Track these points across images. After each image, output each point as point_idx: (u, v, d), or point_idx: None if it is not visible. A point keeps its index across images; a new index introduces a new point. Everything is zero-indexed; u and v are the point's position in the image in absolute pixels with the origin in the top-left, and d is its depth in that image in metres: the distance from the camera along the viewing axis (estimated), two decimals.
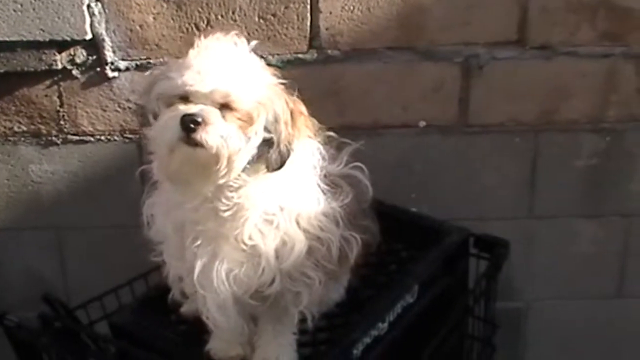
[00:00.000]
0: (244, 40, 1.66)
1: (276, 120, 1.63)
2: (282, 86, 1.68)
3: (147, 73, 1.75)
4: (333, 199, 1.77)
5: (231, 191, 1.64)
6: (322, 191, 1.76)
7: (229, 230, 1.67)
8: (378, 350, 1.90)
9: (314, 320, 1.83)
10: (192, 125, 1.54)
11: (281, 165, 1.65)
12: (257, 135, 1.62)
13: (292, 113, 1.66)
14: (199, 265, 1.69)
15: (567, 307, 2.80)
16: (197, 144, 1.55)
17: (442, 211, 2.38)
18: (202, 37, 1.65)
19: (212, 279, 1.68)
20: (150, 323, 2.00)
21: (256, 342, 1.84)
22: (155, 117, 1.64)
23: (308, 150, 1.75)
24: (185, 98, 1.59)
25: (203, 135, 1.54)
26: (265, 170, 1.65)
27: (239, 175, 1.63)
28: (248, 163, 1.63)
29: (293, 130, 1.65)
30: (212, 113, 1.56)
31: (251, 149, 1.62)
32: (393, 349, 1.94)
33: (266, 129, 1.63)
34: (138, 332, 1.98)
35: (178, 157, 1.58)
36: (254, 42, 1.67)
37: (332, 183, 1.79)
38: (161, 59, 2.42)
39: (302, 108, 1.70)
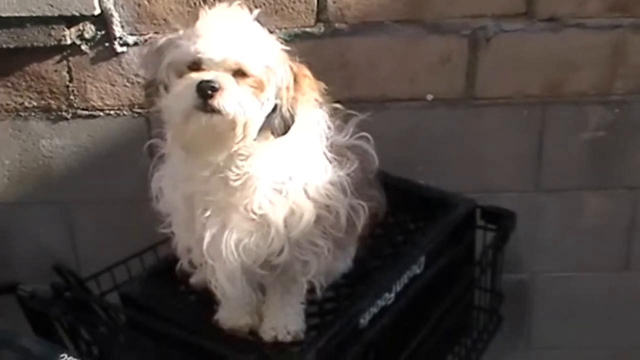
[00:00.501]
0: (246, 9, 1.67)
1: (281, 85, 1.64)
2: (286, 52, 1.69)
3: (149, 43, 1.74)
4: (339, 167, 1.78)
5: (241, 160, 1.65)
6: (329, 160, 1.77)
7: (239, 200, 1.68)
8: (384, 320, 1.92)
9: (322, 289, 1.85)
10: (209, 92, 1.54)
11: (285, 130, 1.66)
12: (269, 101, 1.63)
13: (296, 77, 1.66)
14: (208, 235, 1.70)
15: (574, 280, 2.81)
16: (213, 111, 1.56)
17: (449, 184, 2.37)
18: (207, 8, 1.65)
19: (221, 249, 1.70)
20: (159, 293, 2.03)
21: (264, 311, 1.87)
22: (166, 87, 1.65)
23: (314, 119, 1.76)
24: (196, 66, 1.59)
25: (220, 101, 1.55)
26: (271, 136, 1.66)
27: (250, 143, 1.64)
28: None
29: (296, 94, 1.66)
30: (227, 79, 1.57)
31: (263, 115, 1.63)
32: (399, 319, 1.96)
33: (275, 95, 1.64)
34: (148, 303, 2.00)
35: (194, 124, 1.58)
36: (256, 11, 1.68)
37: (338, 153, 1.80)
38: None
39: (307, 72, 1.71)
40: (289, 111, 1.65)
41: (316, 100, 1.72)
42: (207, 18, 1.63)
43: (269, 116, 1.64)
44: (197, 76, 1.57)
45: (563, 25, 2.44)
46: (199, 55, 1.58)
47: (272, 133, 1.66)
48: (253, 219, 1.70)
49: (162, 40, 1.68)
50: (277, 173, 1.69)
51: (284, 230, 1.71)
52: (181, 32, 1.66)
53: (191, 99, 1.56)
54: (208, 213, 1.70)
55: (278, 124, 1.65)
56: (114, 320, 2.02)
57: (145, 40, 2.45)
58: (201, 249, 1.73)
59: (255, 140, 1.64)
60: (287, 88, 1.65)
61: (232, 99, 1.56)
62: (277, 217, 1.70)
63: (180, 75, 1.61)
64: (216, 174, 1.67)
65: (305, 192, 1.72)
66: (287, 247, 1.73)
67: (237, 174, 1.66)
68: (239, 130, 1.59)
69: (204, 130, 1.58)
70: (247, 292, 1.82)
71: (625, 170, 2.64)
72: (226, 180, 1.67)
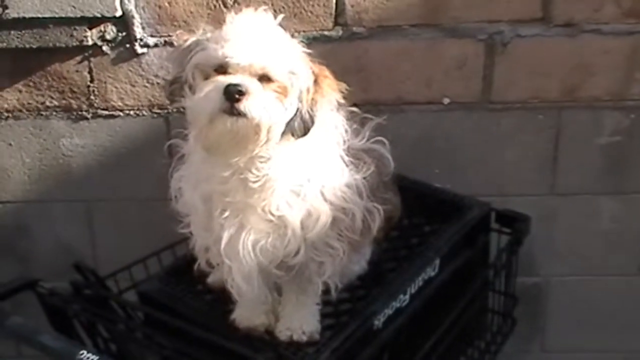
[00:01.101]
0: (271, 14, 1.69)
1: (307, 90, 1.66)
2: (308, 55, 1.70)
3: (177, 40, 1.75)
4: (356, 171, 1.80)
5: (262, 162, 1.67)
6: (346, 163, 1.79)
7: (257, 201, 1.70)
8: (399, 322, 1.93)
9: (337, 290, 1.86)
10: (236, 96, 1.56)
11: (305, 132, 1.68)
12: (292, 105, 1.65)
13: (316, 78, 1.68)
14: (226, 235, 1.72)
15: (588, 283, 2.81)
16: (239, 114, 1.57)
17: (464, 187, 2.40)
18: (232, 12, 1.67)
19: (239, 250, 1.72)
20: (177, 292, 2.05)
21: (280, 312, 1.89)
22: (190, 87, 1.66)
23: (332, 123, 1.78)
24: (222, 70, 1.61)
25: (247, 105, 1.57)
26: (291, 139, 1.68)
27: (271, 146, 1.66)
28: None
29: (316, 95, 1.68)
30: (254, 84, 1.59)
31: (286, 119, 1.65)
32: (414, 320, 1.97)
33: (297, 98, 1.66)
34: (165, 301, 2.03)
35: (219, 127, 1.59)
36: (280, 16, 1.70)
37: (355, 157, 1.81)
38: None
39: (327, 73, 1.72)
40: (309, 113, 1.67)
41: (336, 100, 1.74)
42: (235, 22, 1.65)
43: (290, 119, 1.66)
44: (224, 79, 1.59)
45: (579, 31, 2.45)
46: (227, 59, 1.60)
47: (292, 135, 1.67)
48: (270, 220, 1.71)
49: (190, 40, 1.70)
50: (295, 175, 1.71)
51: (300, 232, 1.72)
52: (208, 34, 1.68)
53: (218, 102, 1.58)
54: (226, 214, 1.72)
55: (298, 125, 1.67)
56: (131, 318, 2.05)
57: (168, 40, 2.49)
58: (219, 248, 1.75)
59: (276, 143, 1.66)
60: (308, 90, 1.67)
61: (258, 103, 1.58)
62: (295, 219, 1.71)
63: (206, 76, 1.64)
64: (236, 174, 1.68)
65: (322, 194, 1.74)
66: (303, 248, 1.74)
67: (257, 176, 1.68)
68: (262, 134, 1.61)
69: (229, 133, 1.60)
70: (262, 292, 1.84)
71: None
72: (245, 182, 1.69)
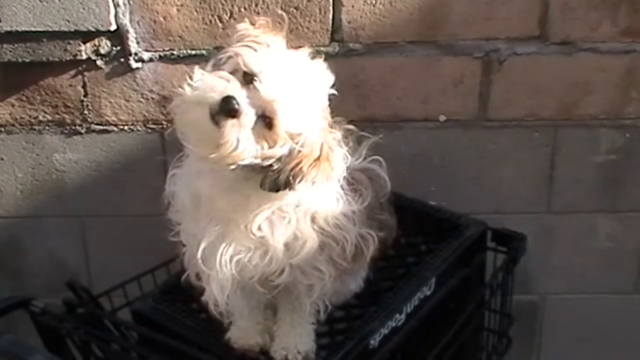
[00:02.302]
0: (320, 61, 1.63)
1: (298, 159, 1.57)
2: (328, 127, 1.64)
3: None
4: (353, 199, 1.75)
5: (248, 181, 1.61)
6: (344, 193, 1.73)
7: (240, 218, 1.65)
8: (395, 341, 1.92)
9: (327, 311, 1.84)
10: (228, 110, 1.50)
11: (275, 190, 1.59)
12: (269, 157, 1.56)
13: (319, 156, 1.59)
14: (205, 241, 1.68)
15: (584, 302, 2.81)
16: (217, 124, 1.51)
17: (460, 205, 2.38)
18: (285, 36, 1.64)
19: (216, 258, 1.67)
20: (171, 311, 2.03)
21: (275, 331, 1.87)
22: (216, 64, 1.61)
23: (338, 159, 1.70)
24: (248, 78, 1.54)
25: (227, 127, 1.50)
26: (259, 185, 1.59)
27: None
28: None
29: (307, 169, 1.57)
30: (249, 116, 1.52)
31: (253, 160, 1.56)
32: (409, 340, 1.96)
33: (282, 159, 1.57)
34: (159, 320, 2.01)
35: (196, 113, 1.53)
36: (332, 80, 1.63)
37: (352, 178, 1.77)
38: (184, 51, 2.45)
39: (332, 156, 1.63)
40: (288, 178, 1.57)
41: (322, 180, 1.62)
42: (281, 57, 1.58)
43: (266, 167, 1.58)
44: (233, 87, 1.53)
45: (576, 49, 2.45)
46: (256, 77, 1.53)
47: (261, 184, 1.59)
48: (252, 238, 1.67)
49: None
50: (283, 198, 1.64)
51: (283, 254, 1.67)
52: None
53: (213, 102, 1.51)
54: (210, 218, 1.68)
55: (270, 182, 1.58)
56: (125, 337, 2.03)
57: (162, 55, 2.48)
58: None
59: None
60: (304, 165, 1.57)
61: (235, 133, 1.51)
62: (277, 241, 1.66)
63: (233, 67, 1.57)
64: (223, 184, 1.64)
65: (313, 220, 1.68)
66: (288, 269, 1.70)
67: (242, 195, 1.64)
68: (221, 153, 1.52)
69: (197, 124, 1.55)
70: (242, 305, 1.82)
71: (636, 193, 2.64)
72: (232, 195, 1.65)
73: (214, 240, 1.68)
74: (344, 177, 1.74)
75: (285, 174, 1.56)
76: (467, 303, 2.14)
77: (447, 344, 2.00)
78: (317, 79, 1.61)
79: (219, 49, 1.67)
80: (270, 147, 1.55)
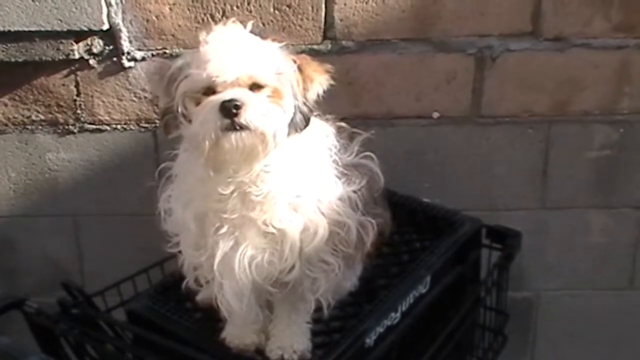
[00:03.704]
0: (241, 25, 1.69)
1: (291, 84, 1.67)
2: (285, 49, 1.70)
3: (157, 72, 1.74)
4: (348, 184, 1.79)
5: (265, 173, 1.66)
6: (338, 176, 1.77)
7: (259, 215, 1.68)
8: (390, 340, 1.92)
9: (329, 308, 1.84)
10: (233, 110, 1.55)
11: (307, 124, 1.69)
12: (289, 104, 1.65)
13: (300, 67, 1.69)
14: (220, 252, 1.70)
15: (578, 298, 2.82)
16: (241, 127, 1.56)
17: (454, 201, 2.39)
18: (204, 32, 1.67)
19: (234, 266, 1.70)
20: (166, 310, 2.03)
21: (271, 330, 1.86)
22: (184, 116, 1.65)
23: (322, 132, 1.78)
24: (211, 90, 1.60)
25: (246, 117, 1.56)
26: (293, 133, 1.67)
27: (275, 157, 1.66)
28: None
29: (306, 84, 1.69)
30: (246, 94, 1.59)
31: (288, 120, 1.65)
32: (405, 338, 1.96)
33: (292, 96, 1.66)
34: (154, 319, 2.01)
35: (225, 145, 1.58)
36: (250, 23, 1.69)
37: (345, 171, 1.80)
38: (177, 50, 2.45)
39: (308, 58, 1.73)
40: (305, 104, 1.68)
41: (326, 80, 1.73)
42: (210, 41, 1.64)
43: (291, 118, 1.66)
44: (216, 98, 1.58)
45: (569, 45, 2.46)
46: (213, 80, 1.59)
47: (295, 130, 1.68)
48: (268, 235, 1.70)
49: (170, 69, 1.68)
50: (293, 188, 1.70)
51: (298, 246, 1.71)
52: (188, 57, 1.66)
53: (217, 121, 1.56)
54: (222, 230, 1.70)
55: (300, 120, 1.68)
56: (120, 337, 2.02)
57: (153, 56, 2.47)
58: (211, 266, 1.73)
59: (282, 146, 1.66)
60: (297, 82, 1.68)
61: (256, 112, 1.57)
62: (294, 232, 1.70)
63: (197, 102, 1.62)
64: (237, 190, 1.67)
65: (318, 207, 1.73)
66: (298, 264, 1.73)
67: (260, 189, 1.67)
68: (269, 141, 1.60)
69: (236, 148, 1.58)
70: (253, 310, 1.82)
71: (630, 189, 2.65)
72: (247, 196, 1.67)
73: (229, 251, 1.70)
74: (337, 168, 1.78)
75: (301, 102, 1.68)
76: (462, 300, 2.14)
77: (443, 342, 2.00)
78: (245, 33, 1.68)
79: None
80: (280, 98, 1.64)
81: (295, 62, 1.69)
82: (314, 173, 1.74)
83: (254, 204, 1.68)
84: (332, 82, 1.74)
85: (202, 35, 1.66)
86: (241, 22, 1.69)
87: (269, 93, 1.63)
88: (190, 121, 1.64)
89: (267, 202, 1.68)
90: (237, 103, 1.56)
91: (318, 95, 1.72)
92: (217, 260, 1.71)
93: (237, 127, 1.57)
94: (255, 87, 1.62)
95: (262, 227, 1.69)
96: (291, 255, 1.72)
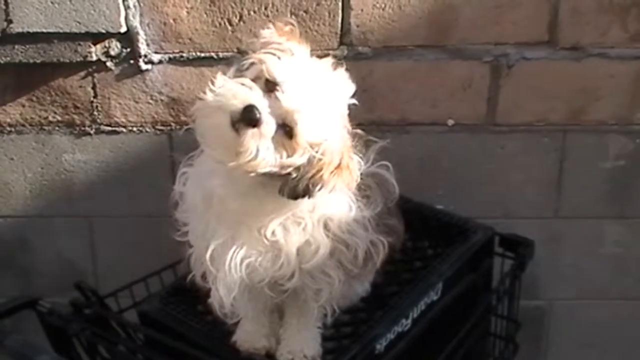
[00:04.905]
0: (341, 71, 1.63)
1: (318, 167, 1.56)
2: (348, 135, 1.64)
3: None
4: (365, 205, 1.75)
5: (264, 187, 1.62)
6: (355, 199, 1.73)
7: (253, 222, 1.66)
8: (401, 346, 1.92)
9: (334, 315, 1.84)
10: (250, 120, 1.49)
11: (293, 197, 1.59)
12: (289, 166, 1.56)
13: (339, 164, 1.58)
14: (214, 243, 1.68)
15: (591, 308, 2.80)
16: (236, 130, 1.51)
17: (468, 209, 2.39)
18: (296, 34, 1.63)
19: (225, 260, 1.67)
20: (177, 312, 2.04)
21: (281, 334, 1.87)
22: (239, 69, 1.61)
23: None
24: (269, 84, 1.54)
25: (247, 135, 1.50)
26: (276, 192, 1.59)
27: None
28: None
29: (328, 177, 1.57)
30: (269, 126, 1.52)
31: (273, 168, 1.56)
32: (416, 345, 1.96)
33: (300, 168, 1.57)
34: (166, 321, 2.02)
35: (217, 119, 1.53)
36: (342, 70, 1.64)
37: (362, 184, 1.75)
38: (193, 53, 2.46)
39: (352, 164, 1.63)
40: (308, 186, 1.57)
41: (347, 185, 1.64)
42: (295, 54, 1.58)
43: (285, 174, 1.58)
44: (257, 94, 1.53)
45: (585, 54, 2.45)
46: (278, 86, 1.53)
47: (279, 191, 1.58)
48: (264, 242, 1.67)
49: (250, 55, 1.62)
50: (299, 204, 1.64)
51: (295, 259, 1.68)
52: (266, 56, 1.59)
53: (235, 109, 1.51)
54: (220, 220, 1.68)
55: (289, 188, 1.57)
56: (132, 339, 2.03)
57: (170, 59, 2.49)
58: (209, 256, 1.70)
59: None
60: (323, 167, 1.56)
61: (255, 142, 1.51)
62: (290, 246, 1.66)
63: (255, 73, 1.57)
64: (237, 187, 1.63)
65: (326, 226, 1.68)
66: (298, 274, 1.70)
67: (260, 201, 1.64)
68: (241, 160, 1.52)
69: (218, 128, 1.54)
70: (248, 308, 1.82)
71: None
72: (247, 199, 1.65)
73: (224, 242, 1.68)
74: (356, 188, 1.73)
75: (304, 182, 1.56)
76: (474, 308, 2.14)
77: (454, 350, 2.00)
78: (338, 88, 1.62)
79: (241, 53, 1.64)
80: (289, 156, 1.55)
81: (342, 157, 1.58)
82: (328, 194, 1.64)
83: (252, 210, 1.65)
84: (349, 192, 1.68)
85: (294, 41, 1.61)
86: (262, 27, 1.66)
87: (286, 142, 1.54)
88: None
89: (263, 213, 1.65)
90: (258, 119, 1.50)
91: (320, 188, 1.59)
92: (210, 249, 1.68)
93: (235, 128, 1.51)
94: (285, 128, 1.54)
95: (256, 234, 1.66)
96: (287, 265, 1.68)
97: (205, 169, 1.71)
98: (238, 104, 1.51)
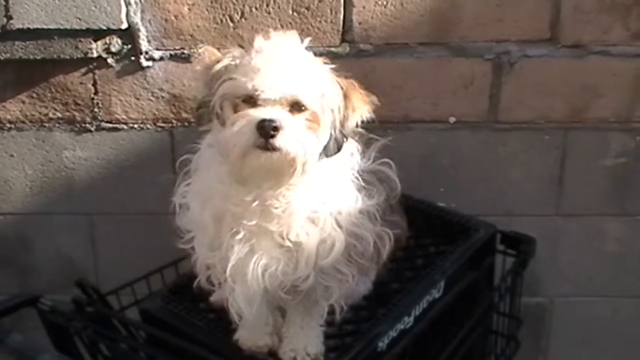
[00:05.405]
0: (297, 37, 1.67)
1: (332, 109, 1.64)
2: (333, 71, 1.68)
3: (203, 60, 1.71)
4: (368, 197, 1.78)
5: (288, 190, 1.65)
6: (358, 189, 1.76)
7: (276, 227, 1.68)
8: (403, 344, 1.92)
9: (342, 312, 1.84)
10: (271, 132, 1.53)
11: (338, 151, 1.67)
12: (325, 132, 1.64)
13: (346, 93, 1.67)
14: (234, 257, 1.70)
15: (592, 305, 2.81)
16: (274, 149, 1.55)
17: (469, 206, 2.38)
18: (259, 37, 1.65)
19: (247, 273, 1.70)
20: (179, 310, 2.03)
21: (284, 333, 1.87)
22: (218, 116, 1.64)
23: (348, 150, 1.76)
24: (252, 100, 1.59)
25: (282, 140, 1.54)
26: (322, 157, 1.66)
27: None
28: None
29: (347, 111, 1.67)
30: (286, 117, 1.57)
31: (321, 148, 1.64)
32: (418, 343, 1.96)
33: (331, 124, 1.65)
34: (167, 319, 2.02)
35: (252, 162, 1.58)
36: (308, 40, 1.68)
37: (364, 180, 1.79)
38: (195, 50, 2.45)
39: (356, 85, 1.71)
40: (341, 132, 1.67)
41: (367, 113, 1.71)
42: (263, 51, 1.61)
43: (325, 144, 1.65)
44: (256, 114, 1.57)
45: (587, 52, 2.45)
46: (257, 93, 1.57)
47: (326, 155, 1.66)
48: (283, 247, 1.69)
49: (219, 65, 1.66)
50: (312, 202, 1.69)
51: (313, 259, 1.70)
52: (237, 60, 1.64)
53: (252, 137, 1.55)
54: (239, 236, 1.69)
55: (332, 147, 1.66)
56: (133, 337, 2.03)
57: (172, 56, 2.48)
58: (224, 268, 1.72)
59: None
60: (339, 108, 1.65)
61: (292, 137, 1.56)
62: (311, 246, 1.69)
63: (235, 107, 1.61)
64: (259, 199, 1.66)
65: (337, 220, 1.72)
66: (313, 274, 1.72)
67: (281, 202, 1.66)
68: (298, 167, 1.59)
69: (263, 167, 1.58)
70: (264, 313, 1.83)
71: None
72: (267, 208, 1.67)
73: (244, 257, 1.70)
74: (357, 178, 1.77)
75: (337, 130, 1.66)
76: (475, 306, 2.14)
77: (456, 347, 2.00)
78: (299, 49, 1.66)
79: (201, 107, 1.70)
80: (318, 124, 1.62)
81: (342, 87, 1.67)
82: (336, 187, 1.73)
83: (273, 216, 1.67)
84: (373, 115, 1.72)
85: (258, 40, 1.64)
86: (292, 34, 1.68)
87: (308, 116, 1.61)
88: (223, 124, 1.63)
89: (285, 215, 1.67)
90: (276, 125, 1.54)
91: (357, 124, 1.70)
92: (230, 264, 1.70)
93: (270, 148, 1.55)
94: (295, 107, 1.60)
95: (279, 239, 1.69)
96: (306, 267, 1.71)
97: (208, 185, 1.73)
98: (250, 133, 1.55)
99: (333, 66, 1.69)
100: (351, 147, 1.77)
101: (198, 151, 1.77)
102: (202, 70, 1.70)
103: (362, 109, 1.70)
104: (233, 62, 1.64)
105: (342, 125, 1.66)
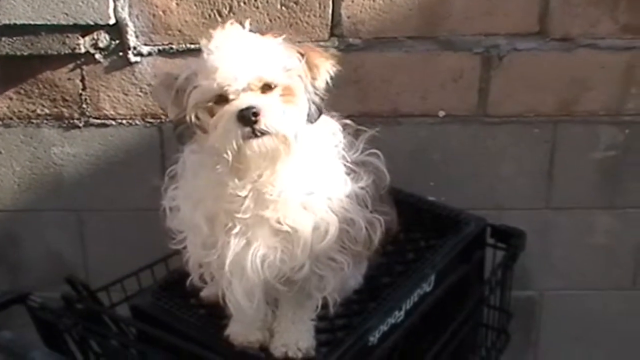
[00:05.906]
0: (237, 25, 1.68)
1: (300, 76, 1.66)
2: (286, 42, 1.69)
3: (162, 83, 1.74)
4: (356, 180, 1.79)
5: (281, 173, 1.66)
6: (346, 173, 1.78)
7: (272, 213, 1.68)
8: (394, 338, 1.92)
9: (335, 306, 1.84)
10: (252, 118, 1.55)
11: (320, 113, 1.69)
12: (302, 100, 1.65)
13: (306, 57, 1.68)
14: (232, 252, 1.70)
15: (582, 298, 2.81)
16: (262, 133, 1.57)
17: (459, 200, 2.39)
18: (205, 39, 1.66)
19: (246, 266, 1.70)
20: (170, 306, 2.02)
21: (275, 327, 1.86)
22: (199, 127, 1.64)
23: (330, 130, 1.77)
24: (223, 98, 1.60)
25: (266, 122, 1.56)
26: (307, 124, 1.67)
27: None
28: None
29: (313, 72, 1.68)
30: (261, 100, 1.59)
31: (305, 117, 1.66)
32: (409, 336, 1.96)
33: (304, 90, 1.66)
34: (158, 315, 2.01)
35: (248, 152, 1.58)
36: (247, 21, 1.68)
37: (350, 170, 1.80)
38: (183, 45, 2.45)
39: (312, 46, 1.77)
40: (316, 94, 1.68)
41: (332, 67, 1.72)
42: (214, 48, 1.62)
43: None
44: (232, 108, 1.58)
45: (576, 45, 2.46)
46: (224, 88, 1.59)
47: (310, 121, 1.68)
48: (280, 234, 1.70)
49: (177, 81, 1.67)
50: (304, 187, 1.70)
51: (309, 245, 1.71)
52: (193, 67, 1.65)
53: (237, 131, 1.56)
54: (235, 230, 1.70)
55: (314, 111, 1.67)
56: (124, 333, 2.02)
57: (160, 51, 2.47)
58: (220, 264, 1.72)
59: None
60: (305, 72, 1.67)
61: (274, 115, 1.57)
62: (306, 230, 1.70)
63: (210, 111, 1.62)
64: (253, 190, 1.67)
65: (329, 206, 1.73)
66: (308, 262, 1.73)
67: (274, 188, 1.67)
68: (291, 142, 1.60)
69: (260, 154, 1.59)
70: (261, 308, 1.82)
71: (635, 190, 2.65)
72: (262, 196, 1.67)
73: (241, 250, 1.70)
74: (346, 167, 1.78)
75: (312, 93, 1.67)
76: (466, 299, 2.14)
77: (446, 341, 2.00)
78: (246, 33, 1.67)
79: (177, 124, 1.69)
80: (293, 96, 1.64)
81: (300, 53, 1.68)
82: (324, 171, 1.74)
83: (268, 202, 1.68)
84: (339, 67, 1.72)
85: (204, 43, 1.65)
86: (240, 22, 1.68)
87: (280, 92, 1.63)
88: (205, 131, 1.63)
89: (280, 200, 1.68)
90: (255, 110, 1.55)
91: (327, 83, 1.71)
92: (228, 260, 1.70)
93: (258, 134, 1.57)
94: (266, 88, 1.61)
95: (276, 225, 1.69)
96: (302, 253, 1.71)
97: (199, 189, 1.73)
98: (233, 127, 1.57)
99: (284, 37, 1.69)
100: (331, 126, 1.78)
101: (180, 159, 1.77)
102: (165, 92, 1.71)
103: (325, 64, 1.71)
104: (191, 72, 1.64)
105: (314, 86, 1.68)
